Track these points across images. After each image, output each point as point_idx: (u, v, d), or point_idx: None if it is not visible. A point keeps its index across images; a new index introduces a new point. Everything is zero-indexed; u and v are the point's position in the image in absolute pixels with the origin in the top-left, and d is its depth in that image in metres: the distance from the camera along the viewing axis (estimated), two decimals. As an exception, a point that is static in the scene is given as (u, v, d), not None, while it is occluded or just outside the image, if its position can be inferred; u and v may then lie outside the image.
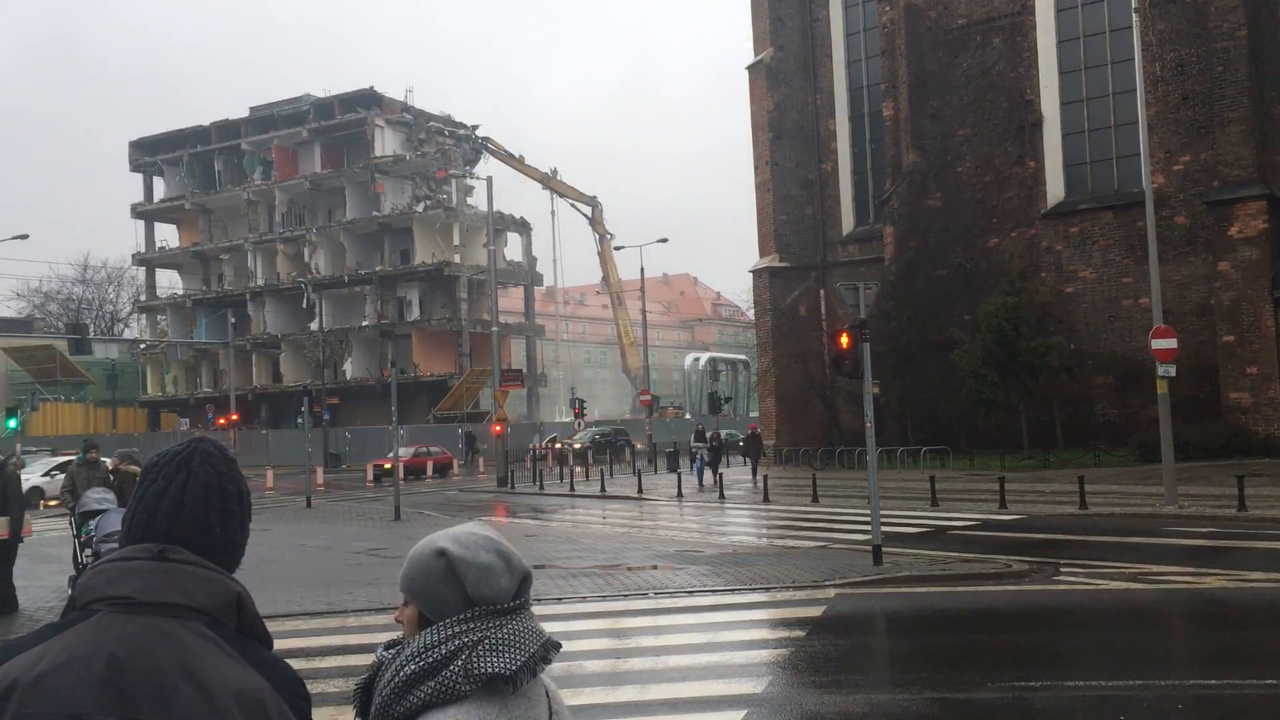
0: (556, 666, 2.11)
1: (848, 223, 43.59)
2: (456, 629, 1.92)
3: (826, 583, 13.21)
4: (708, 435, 34.82)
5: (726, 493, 28.54)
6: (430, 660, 1.89)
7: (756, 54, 45.59)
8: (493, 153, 70.75)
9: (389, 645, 1.98)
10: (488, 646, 1.89)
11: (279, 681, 1.67)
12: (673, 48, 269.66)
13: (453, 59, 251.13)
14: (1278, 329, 30.69)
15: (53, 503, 31.47)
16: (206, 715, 1.55)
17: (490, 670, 1.86)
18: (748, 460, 35.85)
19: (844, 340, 15.37)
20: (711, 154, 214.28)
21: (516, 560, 1.98)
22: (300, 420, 40.00)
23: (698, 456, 34.24)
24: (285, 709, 1.65)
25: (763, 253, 45.04)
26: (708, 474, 33.12)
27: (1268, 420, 30.36)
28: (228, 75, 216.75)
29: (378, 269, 68.02)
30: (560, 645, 2.03)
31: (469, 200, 70.86)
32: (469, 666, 1.87)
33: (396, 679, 1.90)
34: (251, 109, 75.23)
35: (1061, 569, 13.83)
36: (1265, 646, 9.76)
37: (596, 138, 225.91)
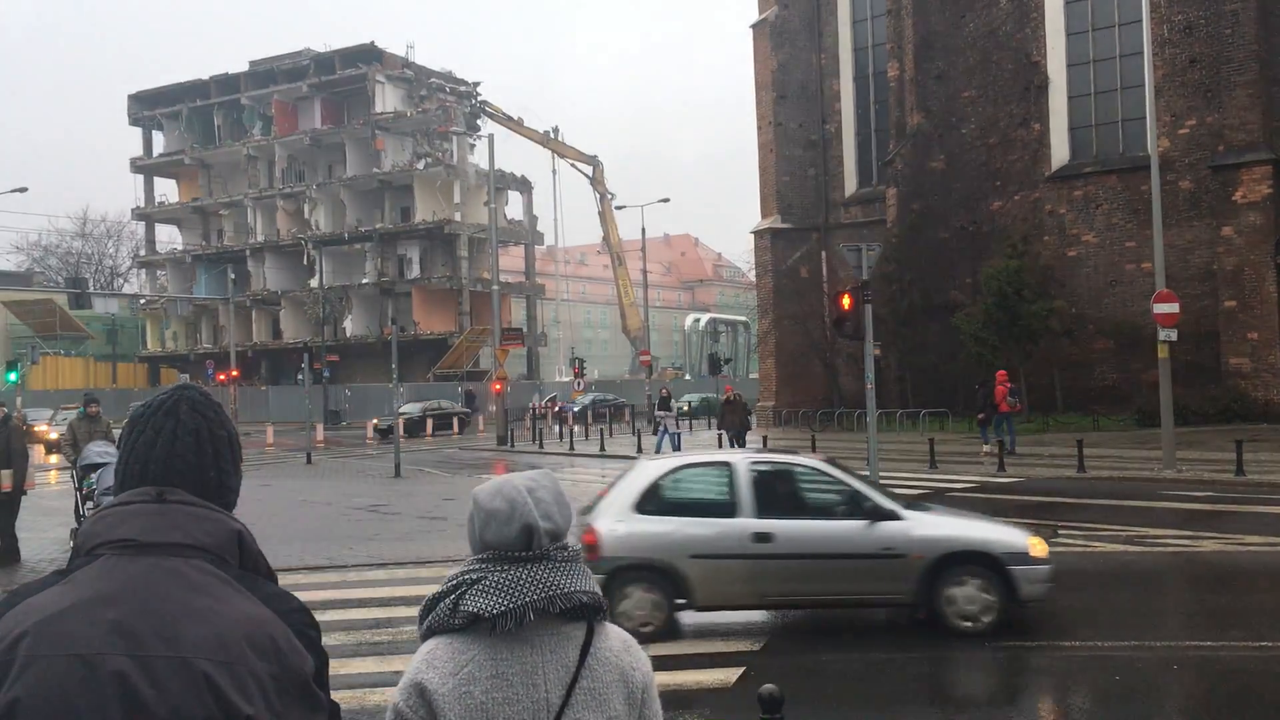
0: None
1: (850, 184, 43.33)
2: (469, 567, 2.02)
3: (825, 543, 13.25)
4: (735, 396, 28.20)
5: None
6: (439, 592, 2.01)
7: (761, 12, 45.09)
8: (491, 115, 70.15)
9: None
10: (482, 588, 1.96)
11: (285, 612, 1.69)
12: (688, 6, 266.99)
13: (472, 12, 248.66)
14: (1280, 295, 30.63)
15: (52, 458, 31.60)
16: (215, 649, 1.57)
17: (472, 609, 1.94)
18: (728, 435, 27.58)
19: (845, 302, 15.34)
20: (719, 113, 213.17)
21: (522, 510, 2.01)
22: (300, 377, 40.06)
23: (662, 428, 28.93)
24: (293, 639, 1.66)
25: (764, 214, 44.84)
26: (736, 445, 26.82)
27: (1267, 386, 30.36)
28: (227, 29, 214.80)
29: (378, 226, 67.75)
30: (594, 605, 2.01)
31: (470, 158, 70.48)
32: (458, 603, 1.96)
33: (422, 604, 2.05)
34: (251, 63, 74.57)
35: (1059, 531, 13.87)
36: (1260, 609, 9.83)
37: (610, 97, 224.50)
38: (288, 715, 1.60)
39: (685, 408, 48.99)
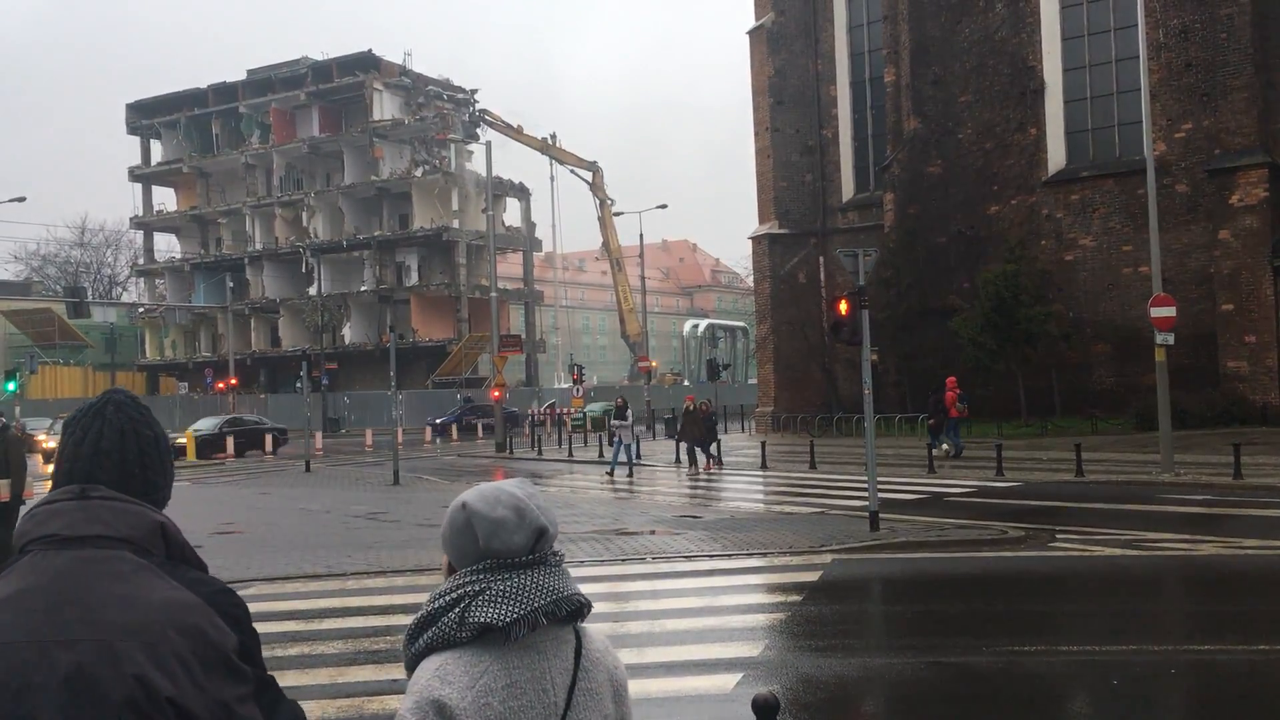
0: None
1: (848, 189, 43.39)
2: (466, 579, 1.99)
3: (823, 548, 13.27)
4: (697, 406, 26.98)
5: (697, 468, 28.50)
6: (436, 607, 1.98)
7: (757, 18, 45.18)
8: (490, 124, 70.25)
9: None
10: (487, 598, 1.95)
11: (207, 594, 1.79)
12: (686, 11, 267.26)
13: (470, 18, 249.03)
14: (1277, 298, 30.66)
15: (50, 467, 31.57)
16: (135, 631, 1.67)
17: (483, 620, 1.93)
18: (690, 448, 26.64)
19: (843, 307, 15.33)
20: (716, 118, 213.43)
21: (532, 516, 2.01)
22: (299, 385, 39.97)
23: (617, 438, 26.94)
24: (215, 618, 1.76)
25: (762, 219, 44.90)
26: (700, 456, 26.53)
27: (1265, 389, 30.39)
28: (225, 38, 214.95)
29: (376, 234, 67.82)
30: (586, 605, 2.05)
31: (468, 165, 70.55)
32: (465, 615, 1.94)
33: (411, 623, 2.01)
34: (249, 72, 74.72)
35: (1057, 535, 13.89)
36: (1257, 613, 9.83)
37: (608, 102, 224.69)
38: (211, 688, 1.70)
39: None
